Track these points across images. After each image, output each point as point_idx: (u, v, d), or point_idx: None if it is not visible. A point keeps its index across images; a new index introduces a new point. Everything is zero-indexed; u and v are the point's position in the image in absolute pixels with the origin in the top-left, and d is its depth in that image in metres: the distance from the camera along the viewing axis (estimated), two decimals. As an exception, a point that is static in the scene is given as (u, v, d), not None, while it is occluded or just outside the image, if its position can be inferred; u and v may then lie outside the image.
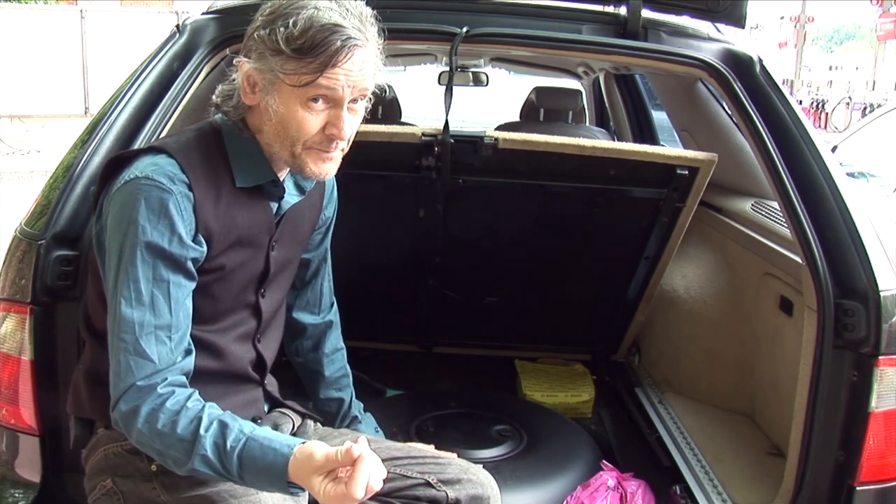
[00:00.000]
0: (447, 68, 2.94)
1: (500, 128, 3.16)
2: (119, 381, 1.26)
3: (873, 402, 1.65)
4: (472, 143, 2.09)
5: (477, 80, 4.81)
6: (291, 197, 1.49)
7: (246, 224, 1.40)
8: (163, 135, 1.81)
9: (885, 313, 1.65)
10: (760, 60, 2.01)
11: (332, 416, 1.79)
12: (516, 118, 3.73)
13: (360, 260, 2.19)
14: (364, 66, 1.31)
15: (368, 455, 1.19)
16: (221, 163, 1.37)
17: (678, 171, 2.12)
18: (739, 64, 1.99)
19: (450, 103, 2.05)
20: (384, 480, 1.21)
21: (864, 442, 1.66)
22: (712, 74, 1.99)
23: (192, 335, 1.33)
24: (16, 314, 1.66)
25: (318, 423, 1.68)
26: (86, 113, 12.15)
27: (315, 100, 1.31)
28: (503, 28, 2.04)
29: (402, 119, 3.69)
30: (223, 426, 1.24)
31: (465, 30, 1.97)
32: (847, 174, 1.94)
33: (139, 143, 1.78)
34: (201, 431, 1.22)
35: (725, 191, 2.61)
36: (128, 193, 1.28)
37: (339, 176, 1.48)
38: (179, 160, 1.32)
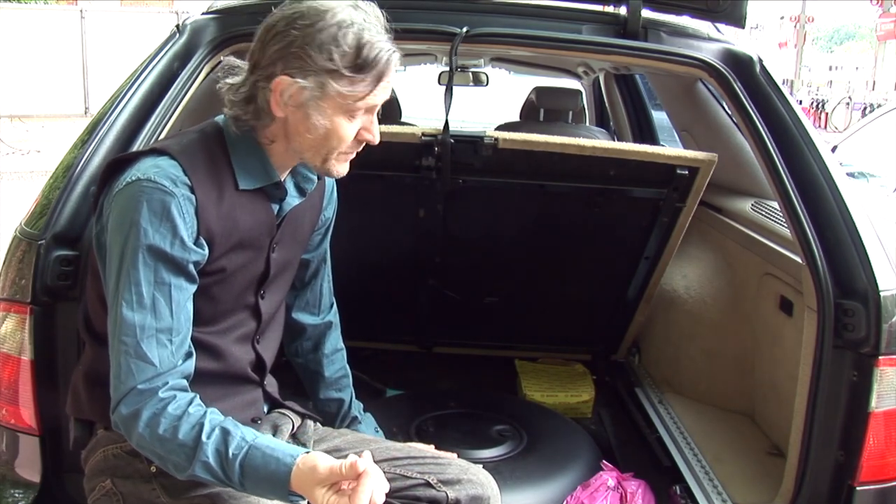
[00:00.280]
0: (447, 68, 2.94)
1: (500, 128, 3.16)
2: (120, 384, 1.26)
3: (873, 402, 1.65)
4: (472, 143, 2.08)
5: (477, 80, 4.81)
6: (292, 198, 1.49)
7: (247, 226, 1.40)
8: (163, 135, 1.81)
9: (885, 313, 1.65)
10: (760, 60, 2.01)
11: (331, 417, 1.78)
12: (516, 118, 3.74)
13: (360, 260, 2.18)
14: None
15: (373, 470, 1.19)
16: (224, 165, 1.37)
17: (678, 171, 2.12)
18: (739, 64, 1.99)
19: (450, 103, 2.05)
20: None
21: (864, 442, 1.66)
22: (712, 74, 1.99)
23: (191, 337, 1.33)
24: (16, 314, 1.66)
25: (318, 424, 1.68)
26: (86, 113, 12.14)
27: (358, 110, 1.33)
28: (503, 28, 2.04)
29: (402, 119, 3.69)
30: (225, 433, 1.23)
31: (465, 30, 1.97)
32: (847, 174, 1.94)
33: (139, 144, 1.78)
34: (203, 438, 1.22)
35: (725, 191, 2.61)
36: (130, 195, 1.28)
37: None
38: (182, 162, 1.31)
